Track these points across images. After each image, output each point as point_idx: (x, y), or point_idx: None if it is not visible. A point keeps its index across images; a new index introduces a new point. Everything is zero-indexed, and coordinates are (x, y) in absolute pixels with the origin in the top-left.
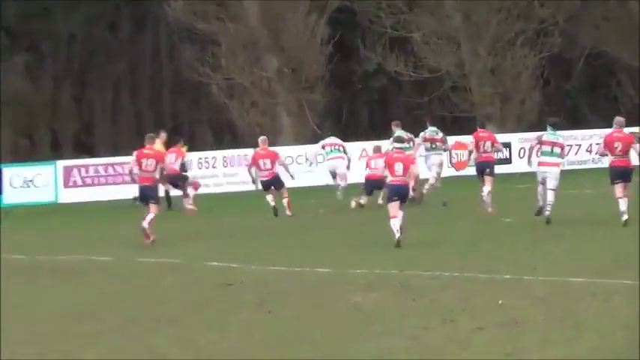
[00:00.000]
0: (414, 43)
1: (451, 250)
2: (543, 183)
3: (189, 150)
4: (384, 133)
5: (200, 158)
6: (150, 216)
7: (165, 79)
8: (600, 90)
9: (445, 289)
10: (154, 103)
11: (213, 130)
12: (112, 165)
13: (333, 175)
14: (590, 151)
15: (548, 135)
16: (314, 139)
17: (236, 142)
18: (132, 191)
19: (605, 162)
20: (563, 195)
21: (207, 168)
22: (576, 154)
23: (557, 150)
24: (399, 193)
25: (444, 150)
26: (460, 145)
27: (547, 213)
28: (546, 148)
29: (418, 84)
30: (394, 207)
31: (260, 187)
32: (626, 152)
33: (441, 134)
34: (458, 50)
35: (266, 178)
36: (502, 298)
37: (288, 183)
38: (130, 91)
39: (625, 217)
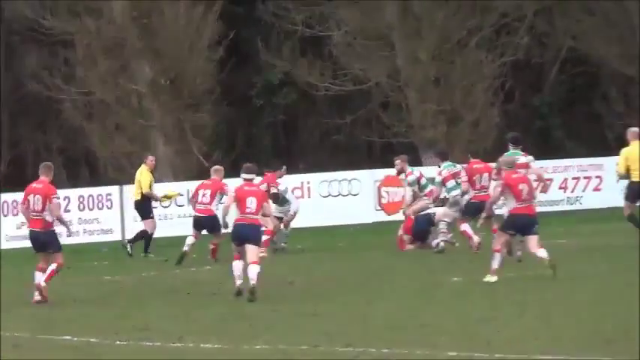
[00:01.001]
0: (332, 44)
1: (378, 316)
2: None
3: None
4: (292, 165)
5: None
6: (52, 267)
7: (1, 93)
8: (580, 107)
9: None
10: None
11: (66, 162)
12: None
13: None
14: (566, 189)
15: (509, 155)
16: (200, 174)
17: (96, 177)
18: None
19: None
20: None
21: None
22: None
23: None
24: (246, 235)
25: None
26: (393, 181)
27: (518, 254)
28: None
29: (338, 100)
30: (240, 250)
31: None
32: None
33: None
34: (391, 54)
35: (201, 214)
36: None
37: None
38: None
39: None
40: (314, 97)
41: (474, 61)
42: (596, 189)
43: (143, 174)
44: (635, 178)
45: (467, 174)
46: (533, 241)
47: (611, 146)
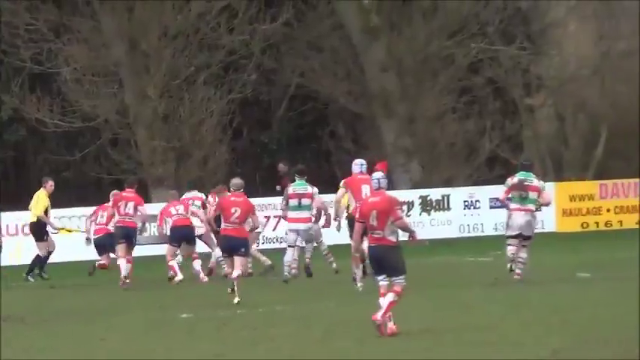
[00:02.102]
0: (61, 81)
1: (110, 352)
2: (292, 245)
3: None
4: (24, 201)
5: None
6: None
7: None
8: (309, 143)
9: None
10: None
11: None
12: None
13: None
14: None
15: (294, 186)
16: None
17: None
18: None
19: None
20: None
21: None
22: (275, 229)
23: (305, 201)
24: None
25: (322, 213)
26: None
27: (293, 272)
28: (293, 201)
29: (67, 136)
30: None
31: None
32: (243, 220)
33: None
34: (120, 91)
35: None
36: None
37: None
38: None
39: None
40: (43, 134)
41: (203, 98)
42: (325, 226)
43: (40, 198)
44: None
45: (113, 200)
46: (238, 261)
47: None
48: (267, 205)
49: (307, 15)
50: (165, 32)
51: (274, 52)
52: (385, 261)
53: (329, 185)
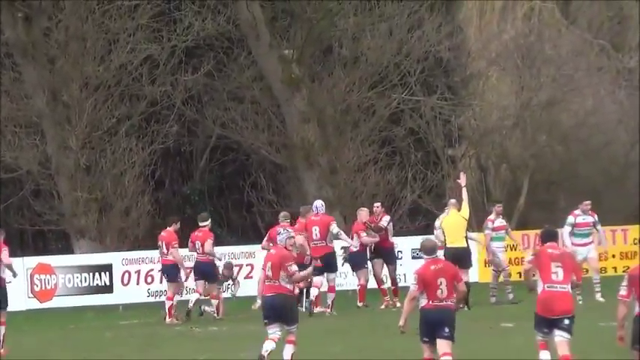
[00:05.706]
0: None
1: None
2: None
3: None
4: None
5: None
6: None
7: None
8: (231, 194)
9: None
10: None
11: None
12: None
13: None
14: None
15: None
16: None
17: None
18: None
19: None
20: None
21: None
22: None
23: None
24: None
25: None
26: (45, 269)
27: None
28: None
29: None
30: None
31: None
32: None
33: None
34: (42, 142)
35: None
36: None
37: None
38: None
39: None
40: None
41: (125, 149)
42: (248, 276)
43: None
44: (448, 244)
45: None
46: None
47: (263, 234)
48: (190, 257)
49: (228, 66)
50: (87, 83)
51: (195, 103)
52: (282, 309)
53: (252, 236)
